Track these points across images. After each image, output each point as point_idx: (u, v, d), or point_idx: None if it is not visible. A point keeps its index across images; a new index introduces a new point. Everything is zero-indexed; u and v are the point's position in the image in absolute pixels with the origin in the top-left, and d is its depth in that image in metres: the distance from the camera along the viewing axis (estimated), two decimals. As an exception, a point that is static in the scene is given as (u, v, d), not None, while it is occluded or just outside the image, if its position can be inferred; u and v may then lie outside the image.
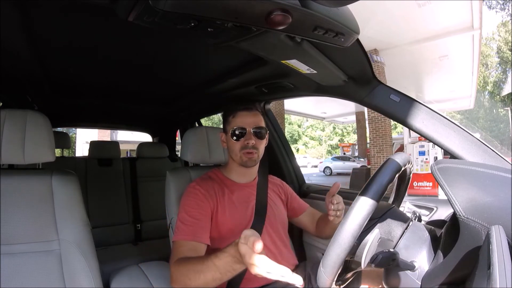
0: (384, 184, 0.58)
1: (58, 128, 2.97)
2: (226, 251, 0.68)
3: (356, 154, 17.07)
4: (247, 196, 1.04)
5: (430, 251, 0.63)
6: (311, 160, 23.60)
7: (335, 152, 25.53)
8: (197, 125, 2.26)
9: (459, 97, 11.23)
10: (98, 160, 2.12)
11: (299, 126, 30.55)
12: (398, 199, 0.79)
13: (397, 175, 0.61)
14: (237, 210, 0.99)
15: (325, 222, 1.07)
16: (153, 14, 0.51)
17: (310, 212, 1.18)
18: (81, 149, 11.50)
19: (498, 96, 19.41)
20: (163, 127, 2.63)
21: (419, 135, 0.87)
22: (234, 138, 1.00)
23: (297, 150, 29.25)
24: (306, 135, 31.10)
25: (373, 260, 0.59)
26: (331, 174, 16.66)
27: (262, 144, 1.03)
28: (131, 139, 9.82)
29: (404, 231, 0.66)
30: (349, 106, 11.73)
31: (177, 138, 2.73)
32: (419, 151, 6.57)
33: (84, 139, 11.22)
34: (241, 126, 1.00)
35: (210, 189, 0.99)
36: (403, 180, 0.75)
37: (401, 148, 8.56)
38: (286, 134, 7.21)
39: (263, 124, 1.03)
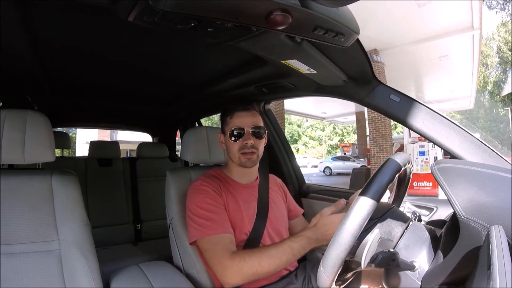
0: (384, 184, 0.58)
1: (58, 128, 2.97)
2: (302, 235, 0.82)
3: (356, 154, 17.06)
4: (248, 196, 1.04)
5: (430, 251, 0.63)
6: (311, 160, 23.59)
7: (335, 152, 25.53)
8: (197, 125, 2.26)
9: (459, 97, 11.24)
10: (98, 160, 2.12)
11: (299, 126, 30.53)
12: (398, 199, 0.79)
13: (397, 175, 0.61)
14: (240, 210, 0.98)
15: None
16: (153, 14, 0.51)
17: (301, 220, 1.19)
18: (81, 149, 11.51)
19: (498, 96, 19.40)
20: (163, 127, 2.62)
21: (419, 135, 0.86)
22: (233, 138, 0.99)
23: (297, 150, 29.23)
24: (306, 135, 31.07)
25: (373, 260, 0.59)
26: (331, 174, 16.66)
27: (261, 144, 1.02)
28: (131, 139, 9.83)
29: (404, 231, 0.66)
30: (349, 106, 11.73)
31: (177, 138, 2.73)
32: (419, 151, 6.59)
33: (84, 139, 11.23)
34: (239, 126, 0.98)
35: (217, 186, 0.98)
36: (403, 180, 0.75)
37: (401, 148, 8.57)
38: (286, 134, 7.21)
39: (261, 123, 1.02)
